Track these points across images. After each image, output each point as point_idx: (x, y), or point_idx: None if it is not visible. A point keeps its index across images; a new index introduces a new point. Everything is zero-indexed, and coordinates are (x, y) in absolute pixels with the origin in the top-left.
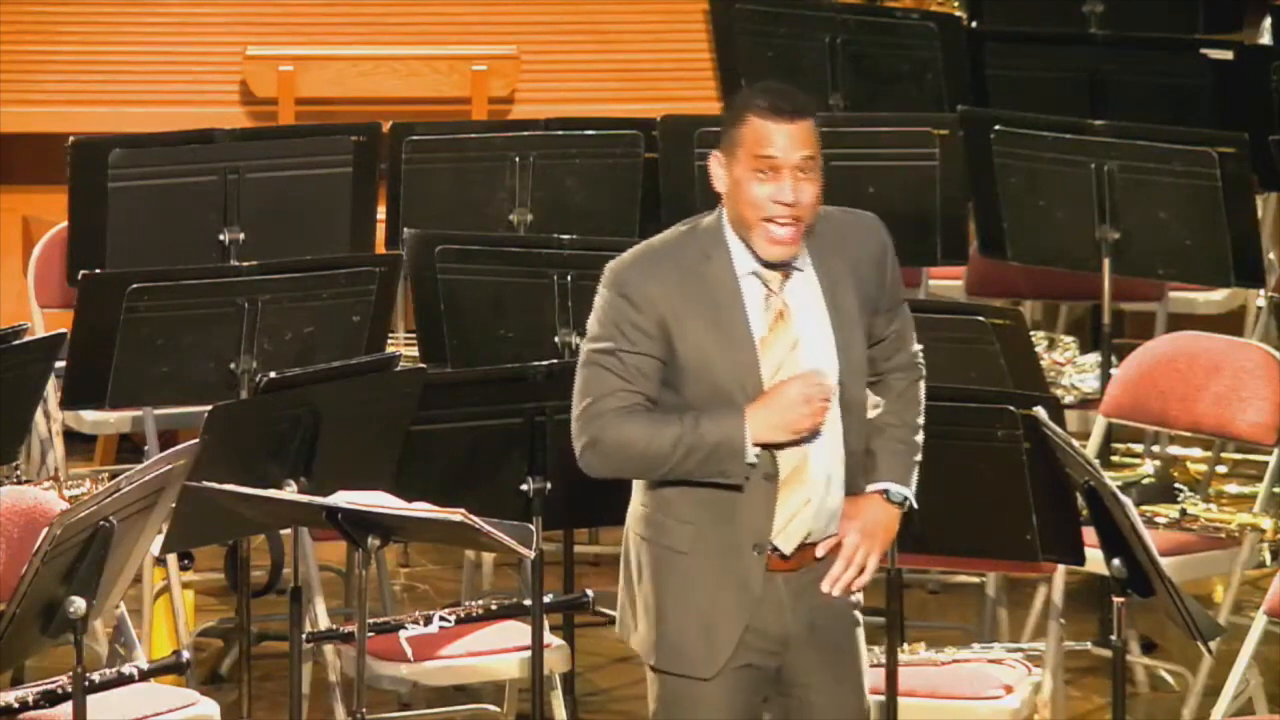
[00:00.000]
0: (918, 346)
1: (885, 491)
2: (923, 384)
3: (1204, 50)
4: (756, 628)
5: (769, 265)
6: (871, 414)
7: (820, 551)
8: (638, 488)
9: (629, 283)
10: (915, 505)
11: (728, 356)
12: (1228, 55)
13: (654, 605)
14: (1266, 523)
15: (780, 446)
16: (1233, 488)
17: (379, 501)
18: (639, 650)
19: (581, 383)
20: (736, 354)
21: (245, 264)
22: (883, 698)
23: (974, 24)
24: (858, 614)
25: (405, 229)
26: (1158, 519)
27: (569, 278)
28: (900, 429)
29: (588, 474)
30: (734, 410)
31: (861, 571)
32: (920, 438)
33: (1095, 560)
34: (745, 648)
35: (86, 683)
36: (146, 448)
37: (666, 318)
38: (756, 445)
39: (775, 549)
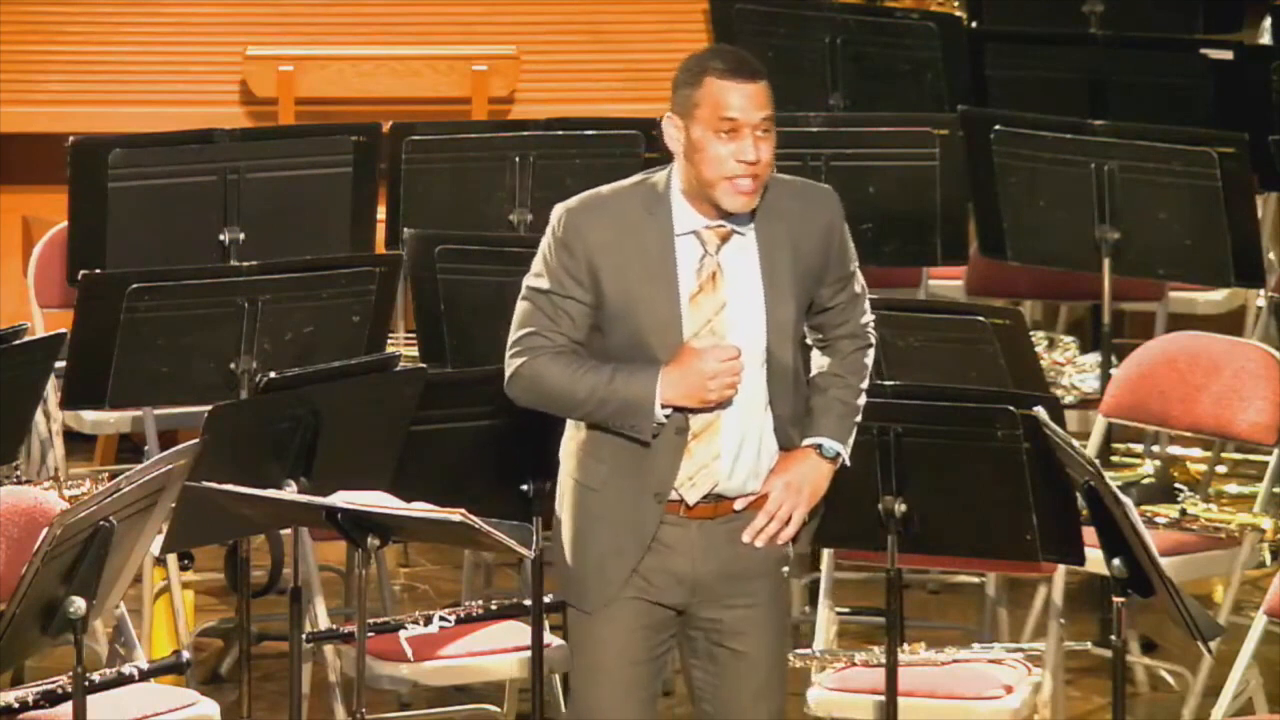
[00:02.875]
0: (869, 317)
1: (819, 446)
2: (871, 352)
3: (1204, 50)
4: (665, 568)
5: (721, 219)
6: (815, 374)
7: (738, 505)
8: (569, 425)
9: (569, 228)
10: (849, 462)
11: (652, 310)
12: (1228, 55)
13: (567, 539)
14: (1266, 523)
15: (691, 412)
16: (1233, 488)
17: (379, 501)
18: (556, 583)
19: (517, 315)
20: (661, 309)
21: (245, 264)
22: (883, 698)
23: (974, 24)
24: (785, 569)
25: (405, 229)
26: (1158, 519)
27: None
28: (841, 389)
29: (514, 403)
30: (649, 369)
31: (786, 524)
32: (861, 400)
33: (1095, 560)
34: (647, 587)
35: (86, 683)
36: (146, 448)
37: (598, 265)
38: (667, 407)
39: (681, 499)
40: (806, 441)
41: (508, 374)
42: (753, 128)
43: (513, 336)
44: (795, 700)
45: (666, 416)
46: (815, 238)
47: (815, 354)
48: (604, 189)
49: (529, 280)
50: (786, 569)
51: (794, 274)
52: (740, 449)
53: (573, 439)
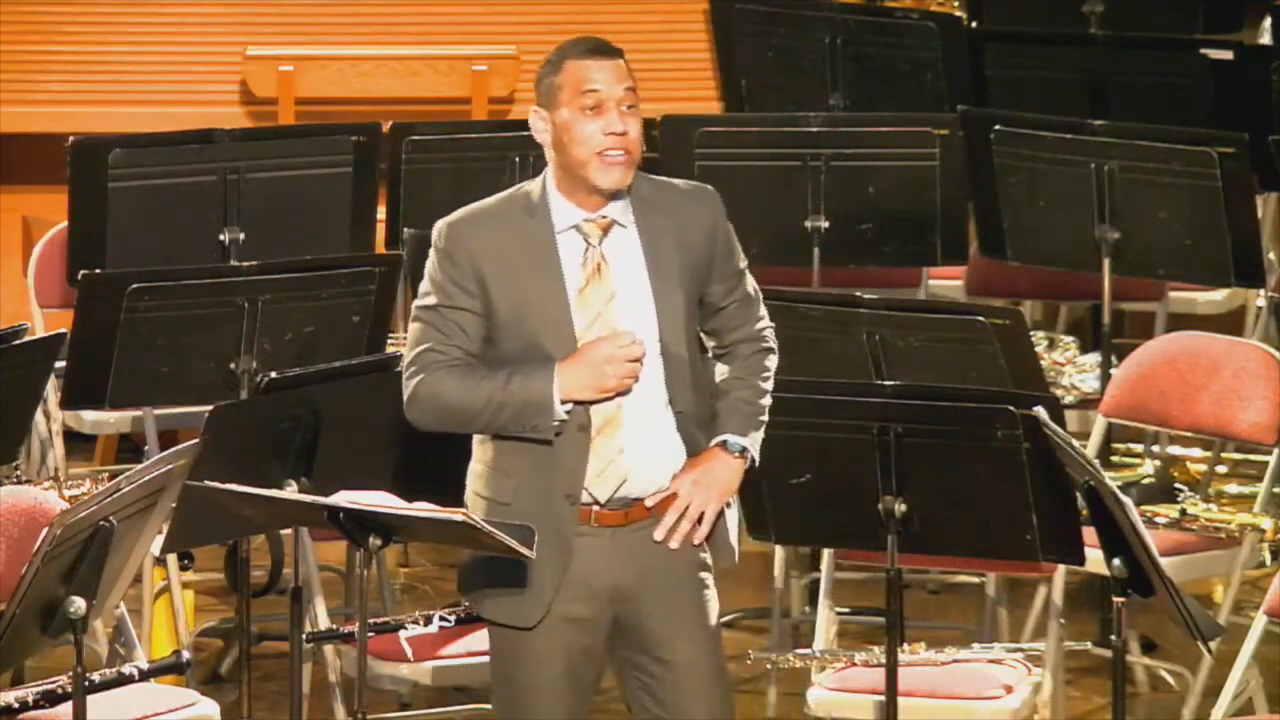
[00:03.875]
0: (767, 323)
1: (724, 443)
2: (773, 357)
3: (1204, 50)
4: (582, 580)
5: (601, 210)
6: (718, 381)
7: (649, 503)
8: (475, 447)
9: (451, 240)
10: (757, 460)
11: (541, 309)
12: (1228, 55)
13: (483, 559)
14: (1266, 523)
15: (590, 403)
16: (1233, 488)
17: (379, 501)
18: (473, 606)
19: (409, 338)
20: (550, 306)
21: (245, 264)
22: (883, 698)
23: (974, 24)
24: (704, 574)
25: (405, 229)
26: (1158, 519)
27: None
28: (743, 390)
29: (416, 427)
30: (545, 367)
31: (698, 523)
32: (766, 401)
33: (1095, 560)
34: (571, 599)
35: (86, 683)
36: (146, 448)
37: (485, 273)
38: (566, 402)
39: (593, 500)
40: (713, 442)
41: (405, 395)
42: (617, 101)
43: (406, 358)
44: (795, 700)
45: (567, 412)
46: (699, 232)
47: (718, 366)
48: (481, 201)
49: (417, 302)
50: (705, 574)
51: (680, 264)
52: (644, 445)
53: (479, 460)
